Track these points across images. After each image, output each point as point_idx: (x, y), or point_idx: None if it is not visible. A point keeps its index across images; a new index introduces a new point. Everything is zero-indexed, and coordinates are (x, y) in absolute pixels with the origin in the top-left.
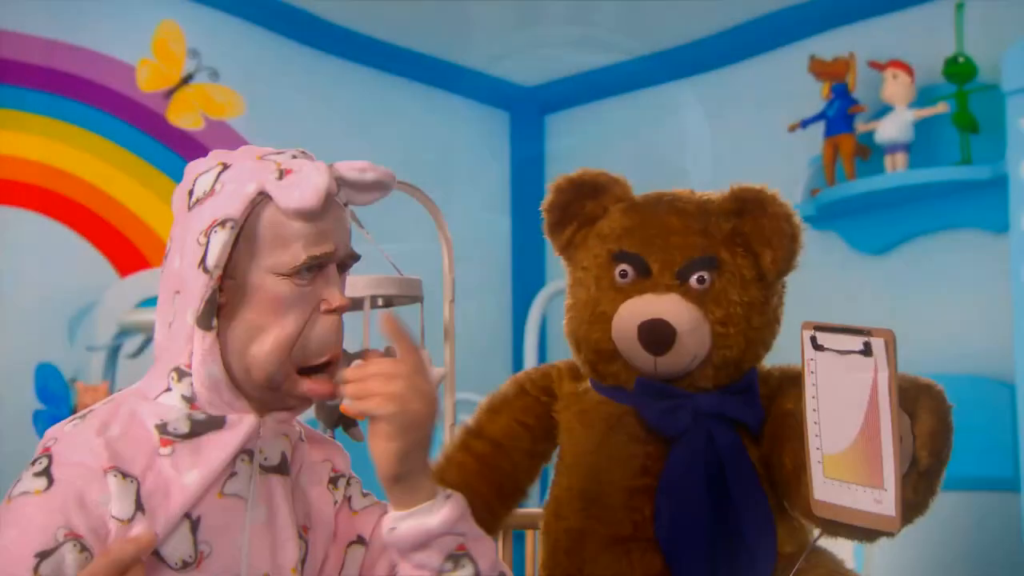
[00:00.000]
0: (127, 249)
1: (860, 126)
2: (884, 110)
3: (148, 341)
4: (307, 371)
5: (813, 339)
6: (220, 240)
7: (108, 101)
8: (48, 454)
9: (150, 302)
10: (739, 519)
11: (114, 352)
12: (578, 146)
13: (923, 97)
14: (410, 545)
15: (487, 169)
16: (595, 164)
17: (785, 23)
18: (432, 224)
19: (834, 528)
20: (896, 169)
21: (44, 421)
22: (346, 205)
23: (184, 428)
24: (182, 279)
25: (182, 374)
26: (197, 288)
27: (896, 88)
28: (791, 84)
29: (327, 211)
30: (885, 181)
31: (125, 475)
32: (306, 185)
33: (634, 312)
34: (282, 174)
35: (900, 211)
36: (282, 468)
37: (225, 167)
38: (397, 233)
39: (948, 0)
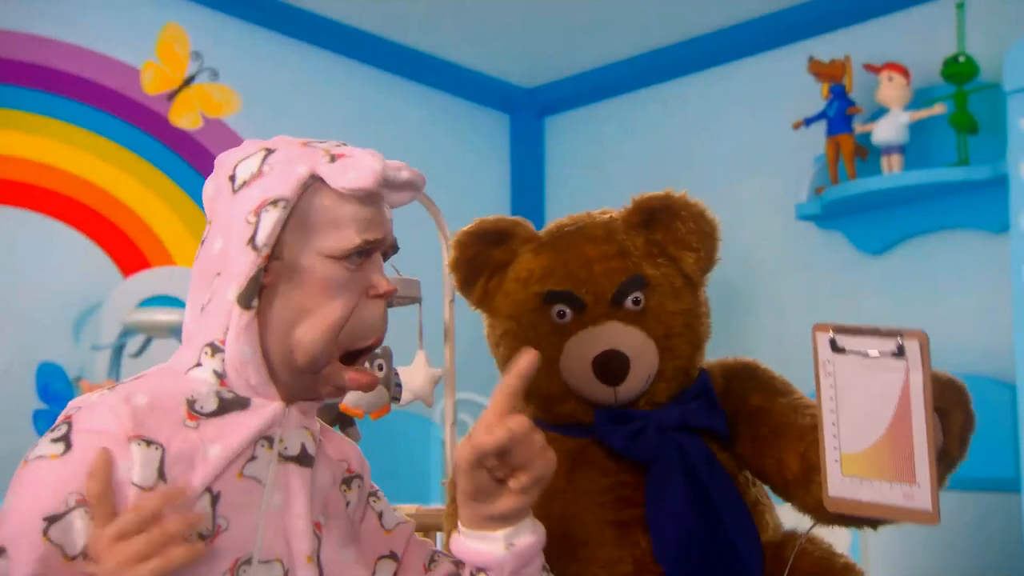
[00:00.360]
0: (130, 249)
1: (858, 127)
2: (882, 111)
3: (150, 341)
4: (347, 357)
5: (832, 342)
6: (272, 219)
7: (110, 102)
8: (68, 421)
9: (152, 302)
10: (724, 524)
11: (118, 351)
12: (577, 148)
13: (920, 98)
14: (526, 559)
15: (487, 170)
16: (595, 165)
17: (785, 23)
18: (432, 224)
19: (845, 519)
20: (892, 170)
21: (45, 420)
22: None
23: (211, 405)
24: (225, 260)
25: (215, 350)
26: (243, 266)
27: (892, 90)
28: (794, 82)
29: (378, 198)
30: (886, 181)
31: (149, 443)
32: (362, 167)
33: (582, 348)
34: (334, 158)
35: (900, 211)
36: (302, 459)
37: (269, 151)
38: (397, 233)
39: (946, 1)
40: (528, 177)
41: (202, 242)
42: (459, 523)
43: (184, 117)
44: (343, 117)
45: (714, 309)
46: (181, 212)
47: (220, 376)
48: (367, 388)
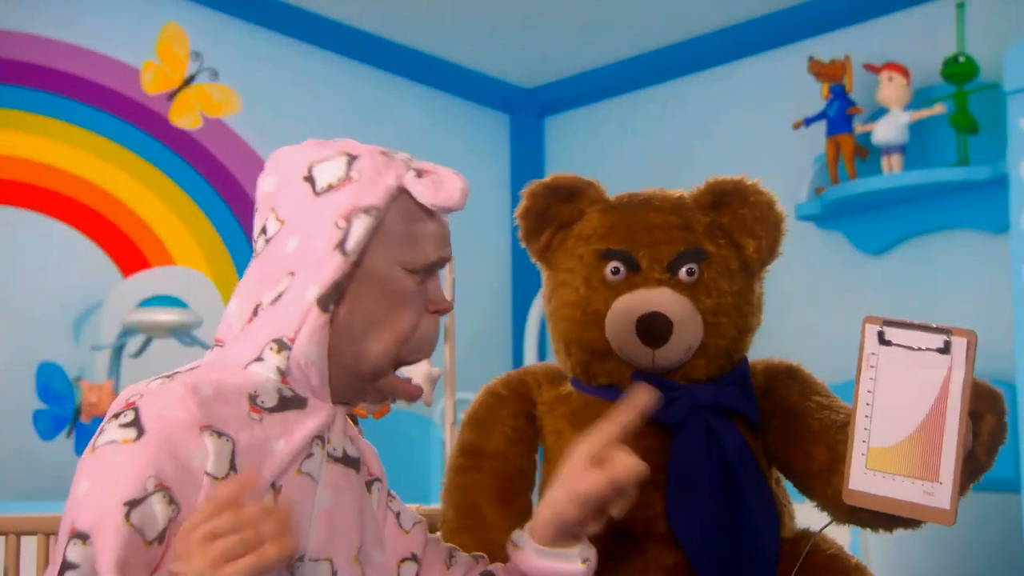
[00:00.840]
0: (130, 249)
1: (858, 127)
2: (882, 111)
3: (150, 341)
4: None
5: (880, 334)
6: (363, 226)
7: (110, 102)
8: (135, 407)
9: (152, 302)
10: (748, 508)
11: (118, 351)
12: (577, 148)
13: (920, 98)
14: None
15: (487, 170)
16: (595, 165)
17: (785, 23)
18: None
19: (861, 518)
20: (892, 170)
21: (45, 421)
22: None
23: (271, 401)
24: (302, 260)
25: (282, 347)
26: (329, 269)
27: (892, 90)
28: (794, 82)
29: (438, 215)
30: (886, 181)
31: (220, 434)
32: (452, 186)
33: (629, 307)
34: (420, 173)
35: (900, 211)
36: (348, 461)
37: (352, 157)
38: None
39: (946, 1)
40: (528, 177)
41: (265, 238)
42: (524, 537)
43: (184, 117)
44: (343, 117)
45: None
46: (181, 212)
47: (283, 373)
48: (414, 399)
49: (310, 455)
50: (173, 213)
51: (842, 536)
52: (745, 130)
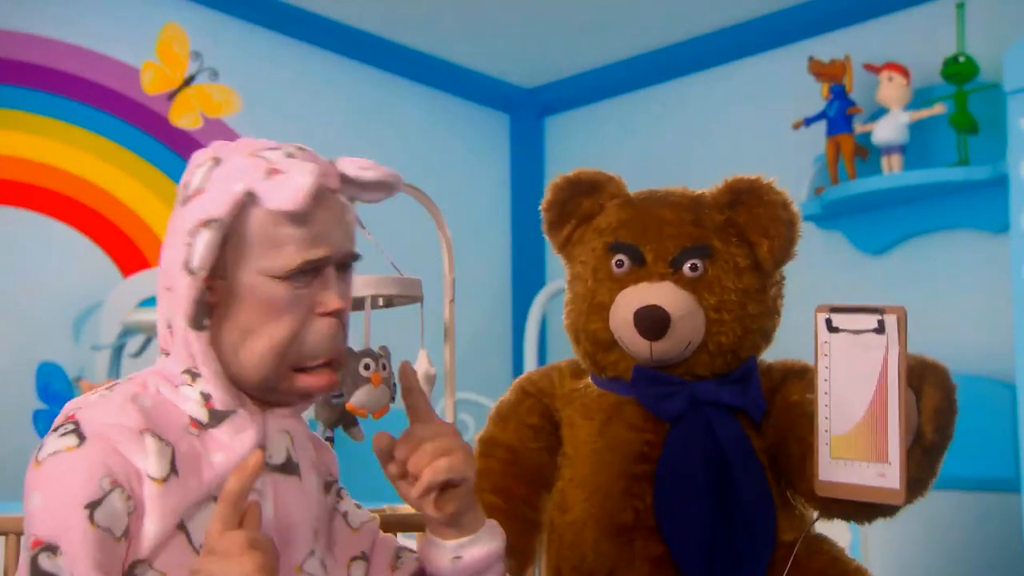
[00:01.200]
0: (130, 249)
1: (858, 127)
2: (882, 111)
3: (150, 340)
4: (303, 371)
5: (828, 321)
6: (204, 241)
7: (110, 102)
8: (74, 420)
9: (152, 302)
10: (741, 505)
11: (118, 351)
12: (577, 148)
13: (920, 98)
14: (477, 570)
15: (487, 170)
16: (595, 165)
17: (785, 23)
18: (432, 224)
19: (834, 509)
20: (892, 170)
21: (45, 420)
22: (352, 201)
23: (205, 419)
24: (167, 278)
25: (194, 375)
26: (183, 289)
27: (892, 90)
28: (794, 82)
29: (320, 211)
30: (886, 181)
31: (160, 438)
32: (289, 187)
33: (630, 300)
34: (270, 173)
35: (900, 211)
36: (288, 468)
37: (216, 163)
38: (397, 233)
39: (946, 1)
40: (528, 177)
41: (162, 248)
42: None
43: (184, 117)
44: (343, 117)
45: None
46: None
47: (206, 398)
48: (325, 391)
49: None
50: None
51: (842, 536)
52: (745, 130)
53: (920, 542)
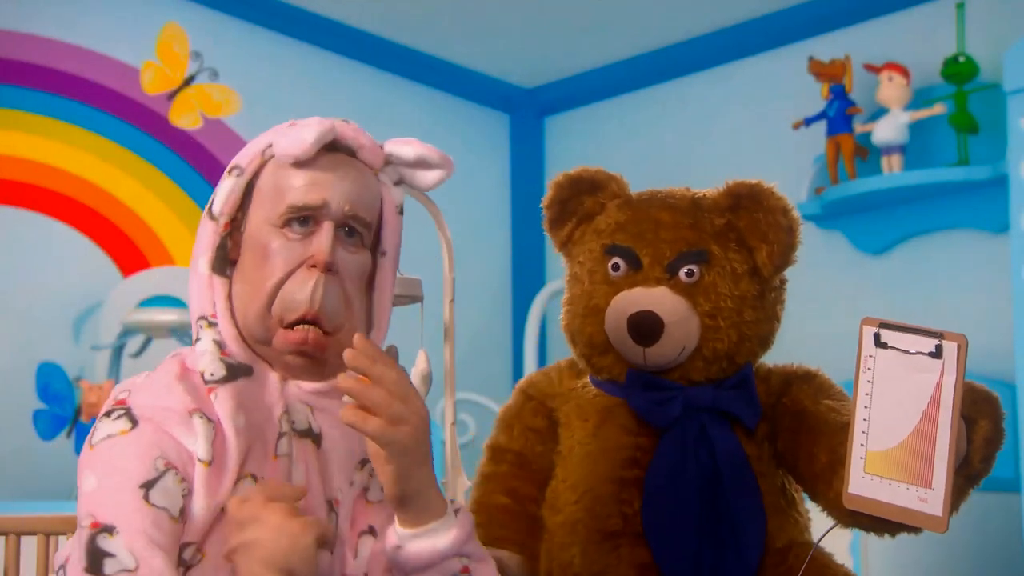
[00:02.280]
0: (129, 249)
1: (858, 127)
2: (882, 111)
3: (150, 340)
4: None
5: (876, 336)
6: (226, 186)
7: (110, 102)
8: (125, 405)
9: (152, 302)
10: (731, 515)
11: (118, 351)
12: (577, 148)
13: (920, 98)
14: (415, 566)
15: (487, 170)
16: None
17: (785, 23)
18: (432, 224)
19: (860, 521)
20: (892, 170)
21: (44, 421)
22: (399, 184)
23: (221, 371)
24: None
25: (210, 323)
26: (206, 236)
27: (892, 90)
28: (794, 82)
29: (327, 165)
30: (886, 181)
31: (208, 419)
32: (297, 135)
33: (624, 304)
34: (289, 127)
35: (900, 211)
36: (311, 435)
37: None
38: None
39: (946, 1)
40: (528, 177)
41: None
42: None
43: (184, 117)
44: (343, 117)
45: None
46: (181, 212)
47: (220, 346)
48: (301, 347)
49: (283, 434)
50: (173, 213)
51: (842, 536)
52: (745, 130)
53: (920, 542)
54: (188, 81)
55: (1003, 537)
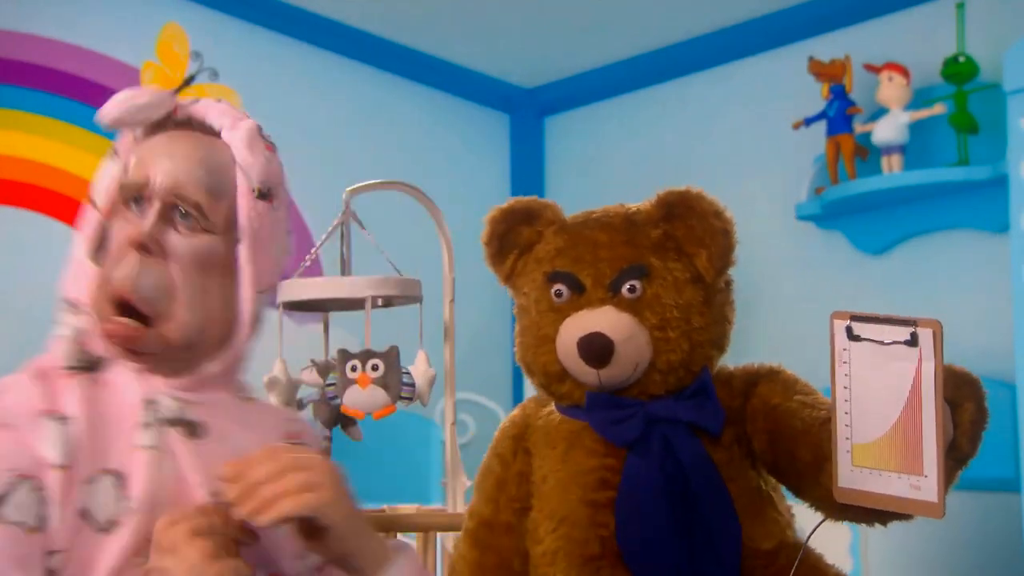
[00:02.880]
0: None
1: (858, 127)
2: (882, 111)
3: None
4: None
5: (848, 329)
6: (102, 171)
7: None
8: None
9: None
10: (706, 521)
11: None
12: (577, 148)
13: (920, 98)
14: None
15: (487, 170)
16: (595, 165)
17: (785, 23)
18: (432, 224)
19: (850, 514)
20: (892, 170)
21: None
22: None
23: (73, 362)
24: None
25: (73, 309)
26: (88, 220)
27: (892, 90)
28: (794, 82)
29: (162, 141)
30: (886, 181)
31: (59, 417)
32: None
33: (572, 329)
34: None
35: (900, 211)
36: (183, 423)
37: None
38: (397, 233)
39: (946, 1)
40: (528, 177)
41: None
42: None
43: None
44: (343, 117)
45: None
46: None
47: (81, 335)
48: (114, 339)
49: (147, 426)
50: None
51: (842, 536)
52: (745, 130)
53: (920, 542)
54: (188, 81)
55: (1003, 537)
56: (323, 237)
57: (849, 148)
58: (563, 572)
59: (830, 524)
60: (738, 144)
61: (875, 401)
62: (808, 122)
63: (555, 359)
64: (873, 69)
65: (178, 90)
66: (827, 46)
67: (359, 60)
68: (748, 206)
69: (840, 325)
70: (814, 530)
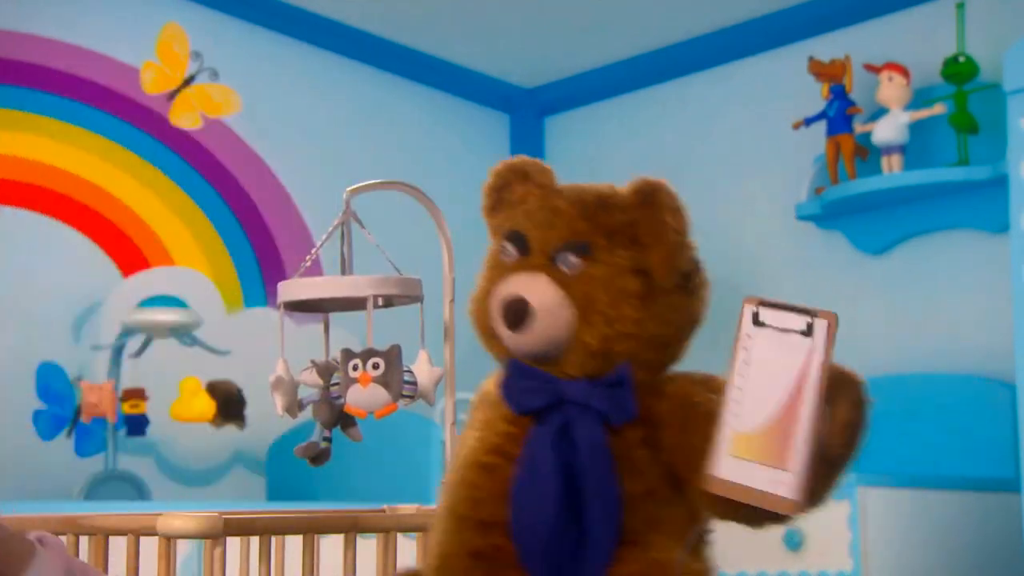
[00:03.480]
0: (129, 249)
1: (858, 127)
2: (882, 111)
3: (150, 341)
4: None
5: (755, 315)
6: None
7: (110, 102)
8: None
9: (152, 302)
10: (587, 506)
11: (118, 351)
12: (577, 148)
13: (920, 98)
14: None
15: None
16: (595, 165)
17: (785, 23)
18: (432, 224)
19: (724, 510)
20: (892, 170)
21: (45, 421)
22: None
23: None
24: None
25: None
26: None
27: (892, 90)
28: (794, 82)
29: None
30: (886, 181)
31: None
32: None
33: (502, 290)
34: None
35: (900, 211)
36: None
37: None
38: (397, 233)
39: (946, 1)
40: None
41: None
42: None
43: (184, 117)
44: (343, 117)
45: (714, 309)
46: (181, 212)
47: None
48: None
49: None
50: (173, 213)
51: (842, 536)
52: (745, 130)
53: (920, 542)
54: (188, 81)
55: (1003, 537)
56: (323, 237)
57: (849, 148)
58: (441, 526)
59: (830, 524)
60: (738, 144)
61: (763, 391)
62: (808, 122)
63: (488, 317)
64: (873, 69)
65: (178, 90)
66: (827, 46)
67: (359, 60)
68: (748, 206)
69: (748, 310)
70: (692, 538)
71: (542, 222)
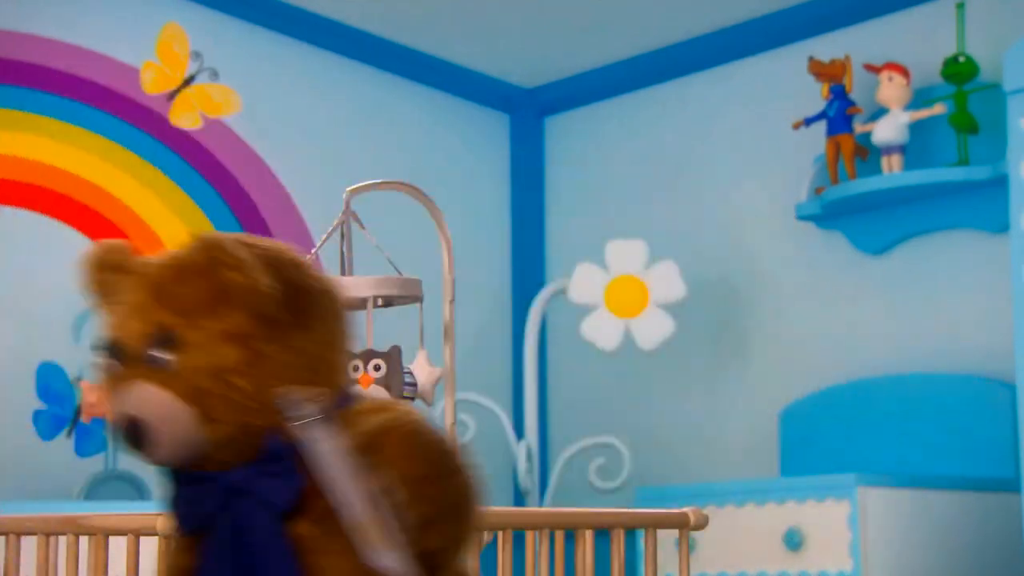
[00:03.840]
0: None
1: (858, 127)
2: (882, 111)
3: None
4: None
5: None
6: None
7: (110, 102)
8: None
9: None
10: None
11: None
12: (577, 148)
13: (920, 98)
14: None
15: (487, 170)
16: (595, 165)
17: (785, 23)
18: (432, 224)
19: None
20: (892, 170)
21: (45, 421)
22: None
23: None
24: None
25: None
26: None
27: (892, 90)
28: (794, 82)
29: None
30: (886, 181)
31: None
32: None
33: (114, 408)
34: None
35: (900, 211)
36: None
37: None
38: (397, 233)
39: (946, 1)
40: (528, 177)
41: None
42: None
43: (184, 117)
44: (343, 117)
45: (714, 309)
46: (181, 212)
47: None
48: None
49: None
50: (173, 213)
51: (842, 536)
52: (745, 130)
53: (920, 542)
54: (188, 81)
55: (1003, 537)
56: (323, 237)
57: (849, 148)
58: None
59: (830, 526)
60: (738, 144)
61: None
62: (808, 122)
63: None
64: (873, 69)
65: (178, 90)
66: (827, 46)
67: (359, 60)
68: (748, 206)
69: None
70: None
71: (123, 322)
